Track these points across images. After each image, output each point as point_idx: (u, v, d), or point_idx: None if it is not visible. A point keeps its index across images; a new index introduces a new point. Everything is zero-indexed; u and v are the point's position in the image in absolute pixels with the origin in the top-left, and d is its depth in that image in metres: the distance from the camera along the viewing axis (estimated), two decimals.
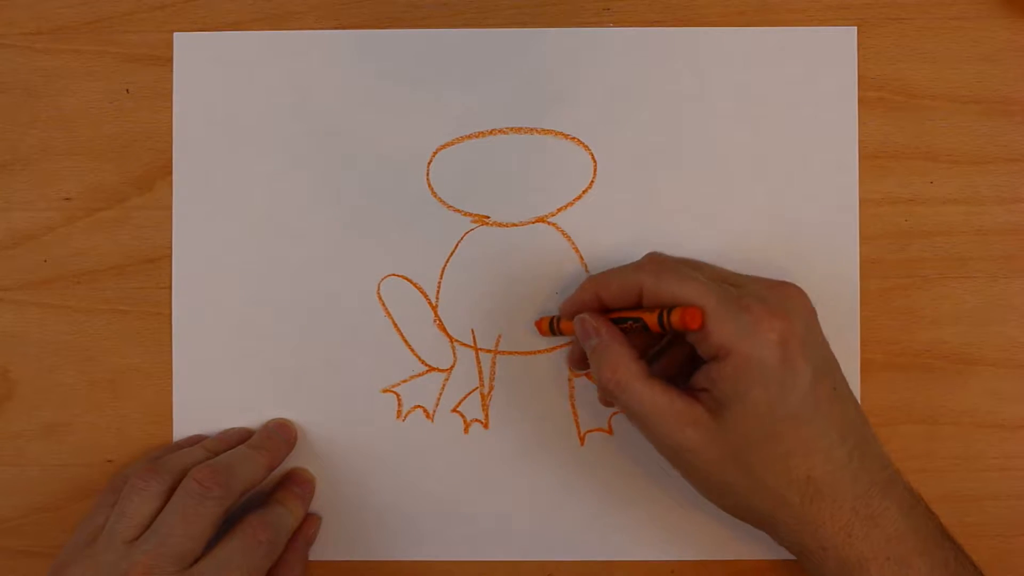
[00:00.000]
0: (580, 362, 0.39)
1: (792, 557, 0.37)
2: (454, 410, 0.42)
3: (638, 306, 0.36)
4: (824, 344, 0.35)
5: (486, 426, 0.42)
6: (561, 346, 0.42)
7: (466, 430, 0.42)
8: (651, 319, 0.34)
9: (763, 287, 0.35)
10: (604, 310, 0.37)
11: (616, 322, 0.36)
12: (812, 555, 0.34)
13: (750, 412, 0.33)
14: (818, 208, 0.41)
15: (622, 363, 0.35)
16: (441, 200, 0.42)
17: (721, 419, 0.33)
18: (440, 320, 0.42)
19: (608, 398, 0.36)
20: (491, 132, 0.42)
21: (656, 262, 0.36)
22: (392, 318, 0.42)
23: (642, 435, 0.36)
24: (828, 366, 0.35)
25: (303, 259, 0.42)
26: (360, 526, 0.42)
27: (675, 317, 0.33)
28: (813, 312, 0.35)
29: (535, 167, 0.42)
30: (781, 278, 0.40)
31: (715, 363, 0.34)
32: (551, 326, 0.39)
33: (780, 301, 0.34)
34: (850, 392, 0.35)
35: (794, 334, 0.33)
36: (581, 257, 0.42)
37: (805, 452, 0.33)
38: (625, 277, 0.36)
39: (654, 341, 0.39)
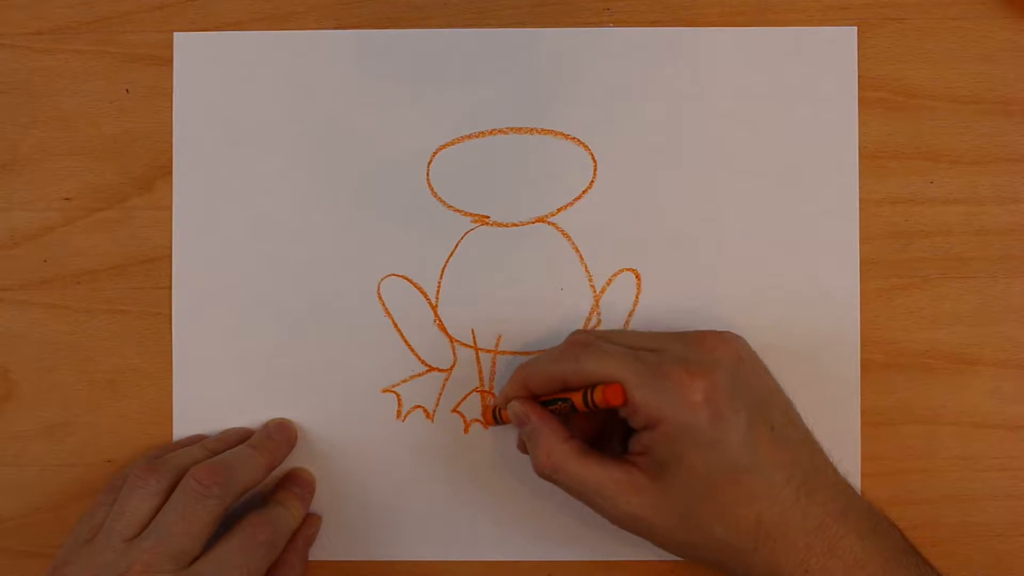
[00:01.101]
0: (525, 447, 0.39)
1: None
2: (454, 410, 0.42)
3: (567, 389, 0.36)
4: (757, 385, 0.35)
5: (486, 426, 0.42)
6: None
7: (466, 430, 0.42)
8: (577, 399, 0.35)
9: (683, 346, 0.35)
10: (536, 397, 0.38)
11: (549, 404, 0.37)
12: None
13: (689, 472, 0.33)
14: (818, 208, 0.41)
15: (553, 445, 0.36)
16: (441, 200, 0.42)
17: (662, 481, 0.34)
18: (440, 320, 0.42)
19: (548, 481, 0.36)
20: (491, 132, 0.42)
21: (575, 343, 0.37)
22: (392, 318, 0.42)
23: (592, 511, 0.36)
24: (763, 408, 0.34)
25: (303, 259, 0.42)
26: (360, 526, 0.42)
27: (597, 396, 0.34)
28: (739, 357, 0.35)
29: (535, 167, 0.42)
30: (781, 278, 0.41)
31: (647, 432, 0.34)
32: (494, 415, 0.40)
33: (699, 357, 0.34)
34: (794, 424, 0.35)
35: (718, 389, 0.33)
36: (581, 257, 0.42)
37: (749, 500, 0.33)
38: (547, 366, 0.37)
39: (600, 421, 0.39)
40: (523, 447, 0.40)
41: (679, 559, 0.41)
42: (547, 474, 0.36)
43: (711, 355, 0.35)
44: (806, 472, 0.34)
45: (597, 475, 0.35)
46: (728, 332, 0.36)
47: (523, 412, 0.37)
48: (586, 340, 0.37)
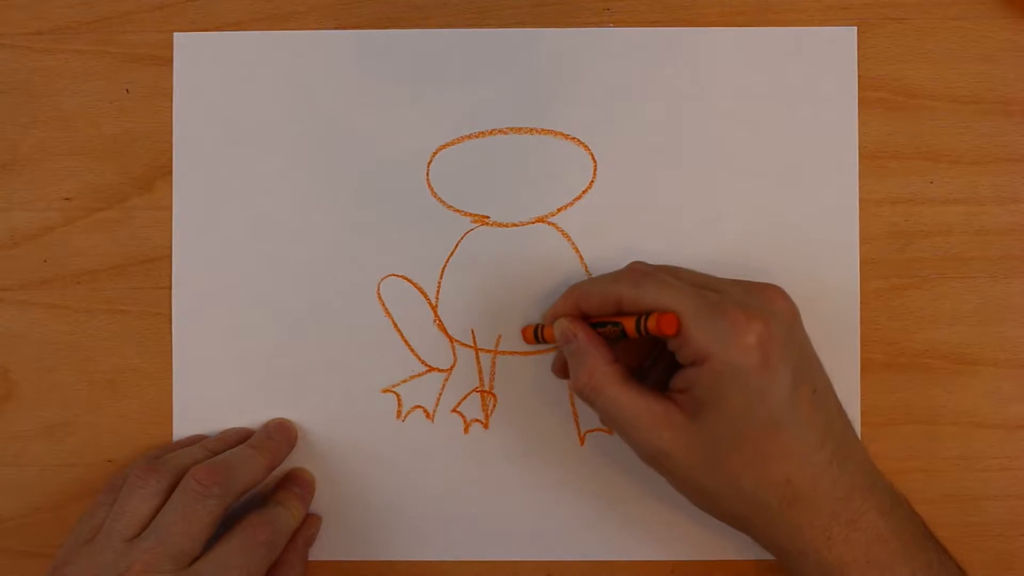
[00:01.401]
0: (563, 369, 0.39)
1: None
2: (454, 410, 0.42)
3: (619, 314, 0.36)
4: (805, 346, 0.35)
5: (486, 426, 0.42)
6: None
7: (466, 430, 0.42)
8: (629, 324, 0.35)
9: (743, 290, 0.35)
10: (586, 318, 0.37)
11: (598, 327, 0.36)
12: (791, 559, 0.34)
13: (727, 416, 0.33)
14: (818, 208, 0.41)
15: (598, 366, 0.35)
16: (441, 200, 0.42)
17: (699, 422, 0.33)
18: (440, 320, 0.42)
19: (584, 401, 0.36)
20: (491, 132, 0.42)
21: (636, 271, 0.36)
22: (392, 318, 0.42)
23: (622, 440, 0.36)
24: (809, 369, 0.34)
25: (303, 259, 0.42)
26: (360, 526, 0.42)
27: (651, 323, 0.33)
28: (795, 313, 0.35)
29: (535, 167, 0.42)
30: (781, 278, 0.40)
31: (693, 368, 0.34)
32: (535, 334, 0.40)
33: (759, 304, 0.34)
34: (832, 394, 0.35)
35: (772, 337, 0.33)
36: (581, 257, 0.42)
37: (783, 456, 0.33)
38: (605, 286, 0.36)
39: (646, 353, 0.39)
40: (559, 369, 0.40)
41: (679, 559, 0.41)
42: (586, 394, 0.35)
43: (770, 304, 0.34)
44: (838, 442, 0.34)
45: (635, 404, 0.34)
46: (786, 292, 0.35)
47: (570, 329, 0.36)
48: (647, 269, 0.36)
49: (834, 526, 0.33)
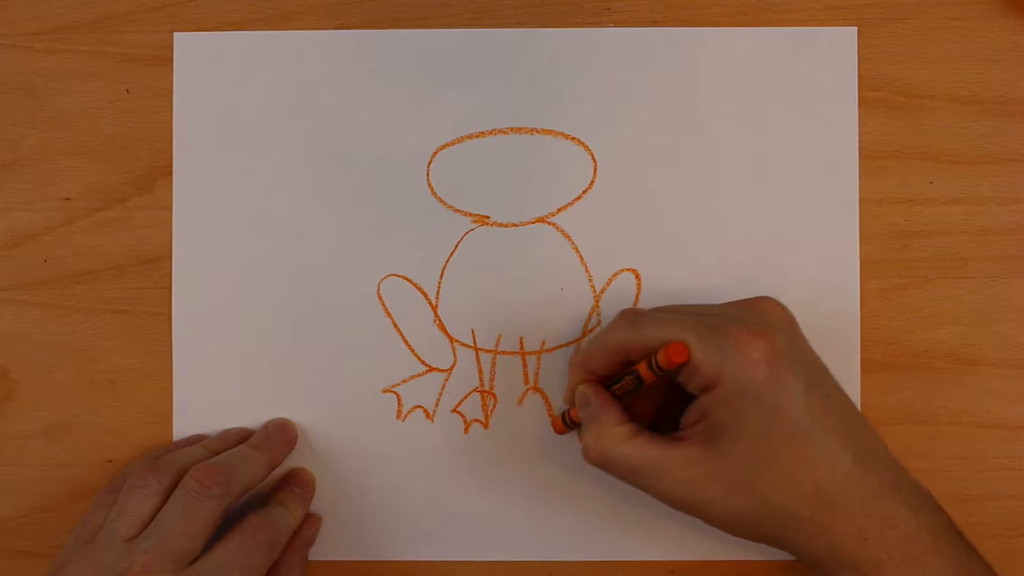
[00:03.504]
0: (562, 425, 0.39)
1: (791, 557, 0.37)
2: (454, 410, 0.42)
3: (628, 364, 0.36)
4: (809, 352, 0.35)
5: (486, 426, 0.42)
6: (561, 346, 0.42)
7: (466, 430, 0.42)
8: (642, 368, 0.34)
9: (739, 309, 0.35)
10: (602, 381, 0.37)
11: (614, 386, 0.36)
12: (826, 564, 0.34)
13: (747, 436, 0.33)
14: (818, 208, 0.41)
15: (604, 429, 0.35)
16: (441, 200, 0.42)
17: (718, 450, 0.33)
18: (440, 320, 0.42)
19: (598, 467, 0.36)
20: (491, 132, 0.42)
21: (628, 316, 0.36)
22: (392, 318, 0.42)
23: (653, 498, 0.36)
24: (817, 375, 0.34)
25: (303, 259, 0.42)
26: (360, 526, 0.42)
27: (661, 357, 0.33)
28: (793, 322, 0.35)
29: (535, 167, 0.42)
30: (781, 278, 0.41)
31: (705, 395, 0.34)
32: (564, 420, 0.39)
33: (758, 319, 0.34)
34: (844, 396, 0.35)
35: (777, 349, 0.33)
36: (581, 257, 0.42)
37: (809, 465, 0.33)
38: (603, 341, 0.36)
39: (657, 402, 0.38)
40: (559, 426, 0.39)
41: (679, 559, 0.41)
42: (594, 458, 0.35)
43: (768, 317, 0.34)
44: (858, 443, 0.34)
45: (648, 454, 0.34)
46: (779, 301, 0.36)
47: (585, 393, 0.36)
48: (639, 311, 0.36)
49: (868, 526, 0.33)
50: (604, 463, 0.35)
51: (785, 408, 0.33)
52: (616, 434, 0.35)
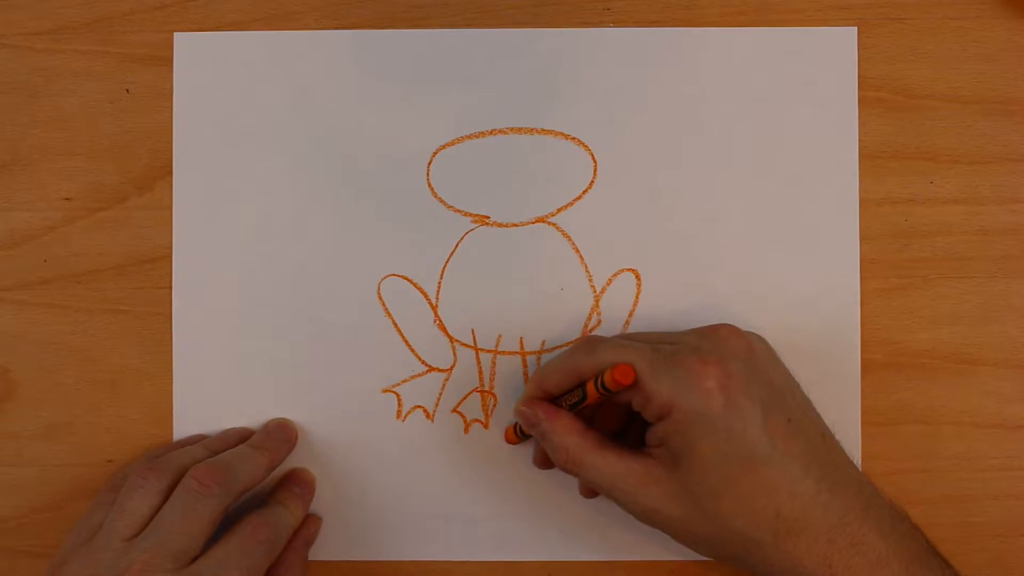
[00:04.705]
0: (544, 461, 0.39)
1: None
2: (454, 410, 0.42)
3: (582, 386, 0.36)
4: (774, 377, 0.35)
5: (486, 426, 0.42)
6: (561, 346, 0.42)
7: (466, 430, 0.42)
8: (589, 386, 0.35)
9: (695, 337, 0.35)
10: (554, 399, 0.38)
11: (562, 402, 0.37)
12: None
13: (704, 463, 0.33)
14: (818, 208, 0.41)
15: (570, 439, 0.35)
16: (441, 200, 0.42)
17: (679, 473, 0.34)
18: (440, 320, 0.42)
19: (571, 475, 0.36)
20: (491, 132, 0.42)
21: (590, 341, 0.36)
22: (392, 318, 0.42)
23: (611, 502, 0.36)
24: (779, 399, 0.34)
25: (303, 259, 0.42)
26: (360, 526, 0.42)
27: (607, 377, 0.34)
28: (753, 347, 0.35)
29: (535, 167, 0.42)
30: (781, 278, 0.41)
31: (661, 422, 0.34)
32: (515, 431, 0.40)
33: (713, 347, 0.34)
34: (810, 420, 0.35)
35: (732, 377, 0.33)
36: (581, 257, 0.42)
37: (768, 492, 0.33)
38: (562, 363, 0.37)
39: (620, 418, 0.39)
40: (540, 461, 0.40)
41: (679, 559, 0.41)
42: (569, 469, 0.36)
43: (724, 345, 0.35)
44: (824, 466, 0.34)
45: (615, 467, 0.35)
46: (740, 328, 0.36)
47: (532, 413, 0.37)
48: (601, 337, 0.37)
49: (833, 553, 0.33)
50: (578, 471, 0.36)
51: (741, 434, 0.33)
52: (582, 444, 0.35)
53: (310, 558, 0.41)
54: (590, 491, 0.40)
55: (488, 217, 0.42)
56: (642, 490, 0.34)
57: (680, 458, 0.34)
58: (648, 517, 0.35)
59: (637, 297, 0.41)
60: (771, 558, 0.33)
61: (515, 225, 0.42)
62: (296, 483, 0.41)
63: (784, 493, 0.33)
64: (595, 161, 0.42)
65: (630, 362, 0.34)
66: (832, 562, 0.33)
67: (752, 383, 0.34)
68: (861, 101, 0.41)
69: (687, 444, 0.33)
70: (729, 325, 0.36)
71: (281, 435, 0.41)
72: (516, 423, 0.40)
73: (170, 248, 0.42)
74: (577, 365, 0.36)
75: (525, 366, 0.42)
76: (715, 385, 0.33)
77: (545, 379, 0.37)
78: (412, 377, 0.42)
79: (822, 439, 0.35)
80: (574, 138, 0.42)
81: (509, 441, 0.41)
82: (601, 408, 0.38)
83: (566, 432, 0.36)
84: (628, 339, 0.36)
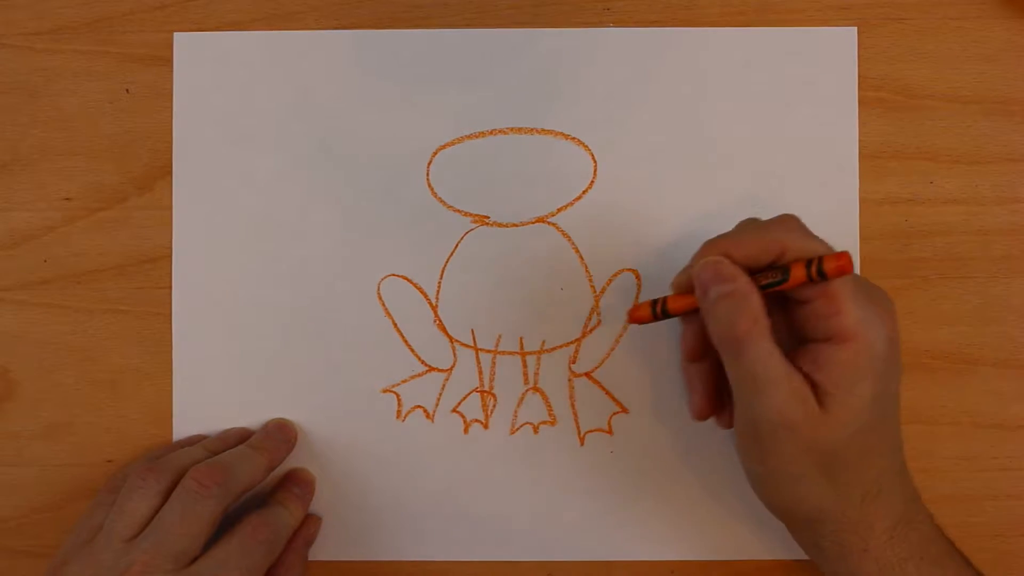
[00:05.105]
0: (695, 350, 0.36)
1: (791, 557, 0.37)
2: (454, 410, 0.42)
3: (772, 265, 0.33)
4: None
5: (486, 426, 0.42)
6: (561, 346, 0.42)
7: (466, 430, 0.42)
8: (797, 268, 0.32)
9: (872, 285, 0.35)
10: None
11: (757, 275, 0.33)
12: (852, 556, 0.34)
13: (856, 404, 0.32)
14: (818, 208, 0.41)
15: (760, 316, 0.32)
16: (441, 200, 0.42)
17: (825, 407, 0.32)
18: (440, 320, 0.42)
19: (727, 353, 0.32)
20: (491, 132, 0.42)
21: (799, 222, 0.34)
22: (392, 318, 0.42)
23: (738, 400, 0.33)
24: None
25: (303, 259, 0.42)
26: (360, 526, 0.42)
27: (830, 262, 0.31)
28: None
29: (535, 167, 0.42)
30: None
31: (829, 346, 0.32)
32: (655, 310, 0.35)
33: (886, 302, 0.34)
34: None
35: (896, 334, 0.34)
36: (581, 257, 0.42)
37: (880, 452, 0.34)
38: (763, 234, 0.33)
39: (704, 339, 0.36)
40: (691, 350, 0.36)
41: (679, 559, 0.41)
42: (735, 345, 0.32)
43: (892, 305, 0.35)
44: (902, 446, 0.35)
45: (780, 368, 0.32)
46: None
47: (731, 272, 0.32)
48: (802, 223, 0.34)
49: (899, 524, 0.34)
50: (744, 350, 0.32)
51: (890, 390, 0.34)
52: (766, 327, 0.32)
53: (310, 558, 0.41)
54: (696, 349, 0.36)
55: (488, 217, 0.42)
56: (791, 404, 0.31)
57: (832, 393, 0.32)
58: (773, 434, 0.32)
59: (637, 297, 0.41)
60: (848, 516, 0.34)
61: (515, 225, 0.42)
62: (296, 483, 0.41)
63: (888, 458, 0.34)
64: (595, 161, 0.42)
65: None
66: (895, 532, 0.34)
67: (899, 347, 0.34)
68: (861, 101, 0.41)
69: (850, 379, 0.32)
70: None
71: (281, 435, 0.41)
72: (658, 300, 0.35)
73: (170, 248, 0.42)
74: (782, 240, 0.32)
75: (525, 366, 0.42)
76: (889, 334, 0.33)
77: (735, 246, 0.33)
78: (412, 377, 0.42)
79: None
80: (574, 138, 0.42)
81: (639, 319, 0.36)
82: (691, 329, 0.35)
83: (757, 308, 0.32)
84: None
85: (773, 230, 0.33)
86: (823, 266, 0.31)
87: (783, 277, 0.32)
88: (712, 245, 0.34)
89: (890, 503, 0.34)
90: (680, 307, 0.35)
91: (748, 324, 0.32)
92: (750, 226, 0.35)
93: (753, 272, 0.33)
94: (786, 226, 0.34)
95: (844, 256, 0.31)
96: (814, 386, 0.32)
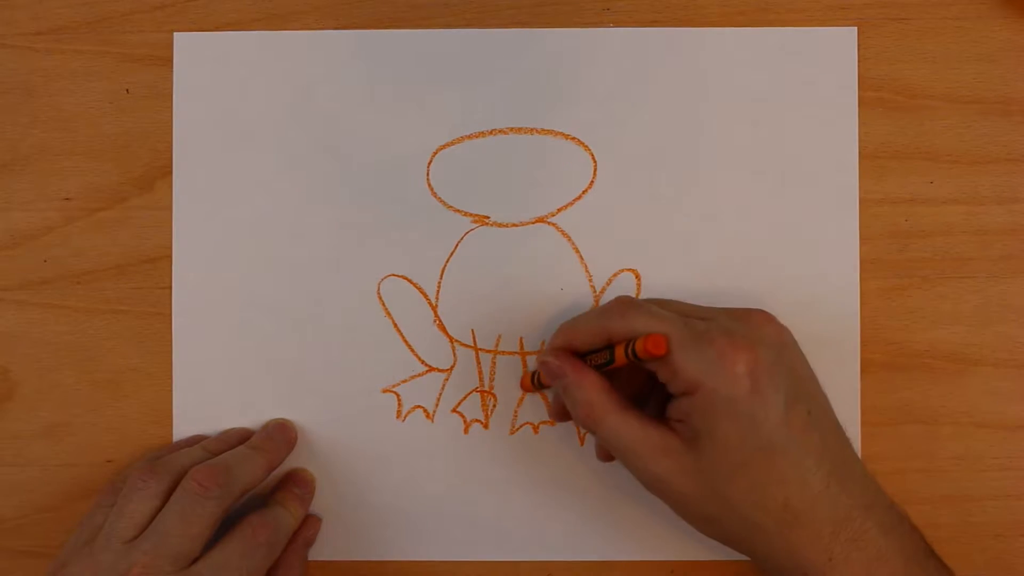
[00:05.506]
0: (561, 413, 0.39)
1: None
2: (454, 410, 0.42)
3: (609, 347, 0.36)
4: (798, 367, 0.35)
5: (486, 426, 0.42)
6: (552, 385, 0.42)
7: (466, 430, 0.42)
8: (618, 351, 0.35)
9: (730, 318, 0.35)
10: (578, 355, 0.37)
11: (587, 359, 0.36)
12: None
13: (722, 445, 0.33)
14: (818, 208, 0.41)
15: (595, 396, 0.35)
16: (441, 200, 0.42)
17: (695, 451, 0.34)
18: (440, 320, 0.42)
19: (588, 432, 0.36)
20: (491, 132, 0.42)
21: (623, 303, 0.36)
22: (392, 318, 0.42)
23: (652, 497, 0.36)
24: (802, 390, 0.34)
25: (303, 259, 0.42)
26: (360, 526, 0.42)
27: (639, 346, 0.34)
28: (783, 337, 0.35)
29: (535, 167, 0.42)
30: (781, 278, 0.40)
31: (685, 398, 0.34)
32: (533, 380, 0.39)
33: (746, 332, 0.34)
34: (828, 413, 0.35)
35: (760, 364, 0.33)
36: (581, 257, 0.42)
37: (780, 481, 0.33)
38: (593, 321, 0.36)
39: (641, 383, 0.38)
40: (557, 413, 0.39)
41: (679, 559, 0.41)
42: (588, 425, 0.36)
43: (758, 331, 0.34)
44: (835, 461, 0.34)
45: (634, 431, 0.35)
46: (773, 316, 0.36)
47: (558, 366, 0.36)
48: (634, 301, 0.36)
49: (834, 546, 0.33)
50: (596, 428, 0.35)
51: (762, 422, 0.33)
52: (606, 402, 0.35)
53: (310, 558, 0.41)
54: (606, 454, 0.39)
55: (488, 217, 0.42)
56: (656, 459, 0.34)
57: (699, 436, 0.34)
58: (657, 487, 0.35)
59: (637, 297, 0.41)
60: (773, 545, 0.34)
61: (515, 225, 0.42)
62: (296, 483, 0.41)
63: (795, 484, 0.33)
64: (595, 161, 0.42)
65: (664, 333, 0.34)
66: (833, 554, 0.33)
67: (778, 373, 0.34)
68: (861, 101, 0.41)
69: (708, 424, 0.33)
70: (763, 311, 0.36)
71: (281, 436, 0.41)
72: (535, 372, 0.39)
73: (170, 248, 0.42)
74: (609, 327, 0.35)
75: (525, 366, 0.42)
76: (744, 370, 0.33)
77: (574, 334, 0.37)
78: (412, 377, 0.42)
79: (835, 434, 0.35)
80: (574, 138, 0.42)
81: (525, 389, 0.41)
82: (625, 370, 0.37)
83: (592, 389, 0.35)
84: (661, 306, 0.36)
85: (603, 316, 0.36)
86: (634, 348, 0.34)
87: (610, 358, 0.35)
88: (558, 333, 0.38)
89: (815, 527, 0.33)
90: (548, 381, 0.38)
91: (587, 409, 0.35)
92: (588, 313, 0.38)
93: (593, 352, 0.36)
94: (617, 311, 0.36)
95: (652, 339, 0.33)
96: (688, 431, 0.34)
